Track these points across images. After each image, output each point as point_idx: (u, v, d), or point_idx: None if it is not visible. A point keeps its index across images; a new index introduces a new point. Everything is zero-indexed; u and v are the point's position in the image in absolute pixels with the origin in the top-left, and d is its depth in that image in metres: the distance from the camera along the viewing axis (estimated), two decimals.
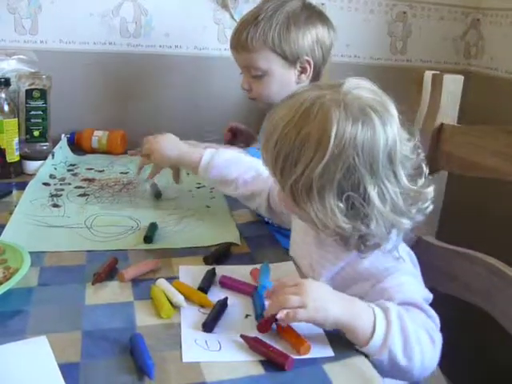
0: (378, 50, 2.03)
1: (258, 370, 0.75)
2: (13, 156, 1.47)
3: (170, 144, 1.30)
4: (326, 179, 0.84)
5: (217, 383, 0.72)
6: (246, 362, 0.77)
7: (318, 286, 0.85)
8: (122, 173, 1.55)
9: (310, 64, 1.44)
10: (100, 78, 1.82)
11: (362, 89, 0.88)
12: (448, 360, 1.23)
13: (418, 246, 1.26)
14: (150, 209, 1.29)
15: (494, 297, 1.09)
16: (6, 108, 1.44)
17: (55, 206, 1.27)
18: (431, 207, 0.92)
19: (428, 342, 0.83)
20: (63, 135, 1.68)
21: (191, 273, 0.99)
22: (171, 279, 0.95)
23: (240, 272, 1.00)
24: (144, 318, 0.85)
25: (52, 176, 1.47)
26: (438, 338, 0.85)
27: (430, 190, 0.91)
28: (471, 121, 1.32)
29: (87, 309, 0.87)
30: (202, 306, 0.89)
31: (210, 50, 1.87)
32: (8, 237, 1.07)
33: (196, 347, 0.79)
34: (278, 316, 0.79)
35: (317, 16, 1.46)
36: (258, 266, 1.02)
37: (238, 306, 0.91)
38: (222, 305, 0.88)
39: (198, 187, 1.47)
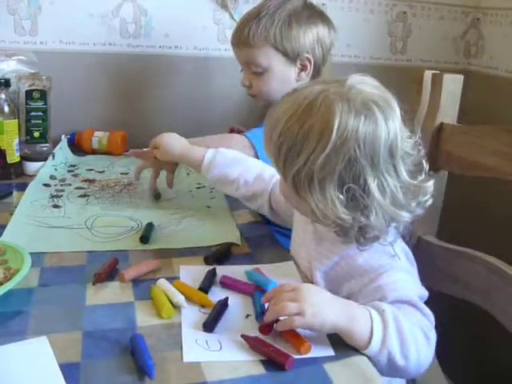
0: (378, 49, 2.03)
1: (259, 370, 0.75)
2: (13, 157, 1.47)
3: (174, 140, 1.30)
4: (327, 170, 0.85)
5: (217, 383, 0.72)
6: (246, 362, 0.77)
7: (316, 291, 0.85)
8: (122, 173, 1.54)
9: (310, 62, 1.45)
10: (100, 78, 1.82)
11: (366, 84, 0.90)
12: (447, 358, 1.24)
13: (418, 245, 1.27)
14: (150, 209, 1.29)
15: (494, 296, 1.09)
16: (6, 109, 1.44)
17: (56, 206, 1.27)
18: (431, 201, 0.93)
19: (423, 340, 0.83)
20: (63, 136, 1.68)
21: (192, 273, 0.99)
22: (172, 279, 0.95)
23: (241, 272, 1.00)
24: (144, 318, 0.85)
25: (52, 177, 1.47)
26: (433, 335, 0.85)
27: (430, 184, 0.93)
28: (471, 120, 1.32)
29: (88, 309, 0.87)
30: (203, 306, 0.89)
31: (209, 51, 1.87)
32: (8, 237, 1.07)
33: (197, 347, 0.79)
34: (276, 326, 0.80)
35: (318, 15, 1.48)
36: (258, 266, 1.02)
37: (238, 305, 0.90)
38: (223, 305, 0.88)
39: (199, 187, 1.47)
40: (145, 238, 1.11)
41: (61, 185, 1.42)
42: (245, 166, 1.23)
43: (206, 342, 0.80)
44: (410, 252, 1.00)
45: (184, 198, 1.39)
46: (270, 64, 1.44)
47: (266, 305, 0.88)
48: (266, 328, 0.81)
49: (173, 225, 1.21)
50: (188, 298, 0.90)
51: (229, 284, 0.96)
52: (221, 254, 1.07)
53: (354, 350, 0.81)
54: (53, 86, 1.60)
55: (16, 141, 1.47)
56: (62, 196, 1.34)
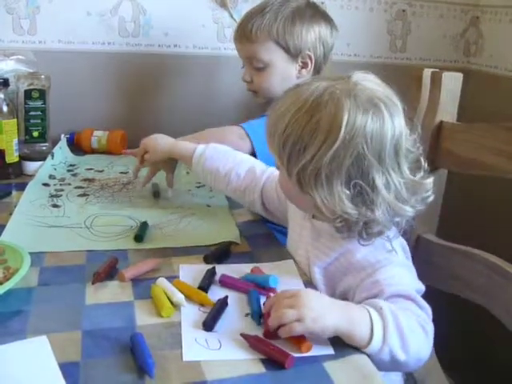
0: (378, 48, 2.03)
1: (259, 369, 0.75)
2: (12, 157, 1.47)
3: (161, 139, 1.32)
4: (335, 166, 0.86)
5: (217, 382, 0.72)
6: (246, 361, 0.76)
7: (315, 295, 0.84)
8: (121, 173, 1.54)
9: (311, 59, 1.46)
10: (99, 77, 1.81)
11: (369, 81, 0.91)
12: (446, 355, 1.24)
13: (417, 243, 1.27)
14: (150, 208, 1.29)
15: (494, 294, 1.09)
16: (5, 109, 1.44)
17: (55, 206, 1.27)
18: (432, 197, 0.94)
19: (421, 334, 0.83)
20: (63, 135, 1.68)
21: (191, 272, 0.99)
22: (171, 278, 0.95)
23: (240, 271, 1.00)
24: (144, 318, 0.85)
25: (52, 176, 1.47)
26: (431, 328, 0.85)
27: (430, 181, 0.94)
28: (471, 118, 1.32)
29: (87, 308, 0.87)
30: (203, 305, 0.89)
31: (209, 50, 1.87)
32: (8, 237, 1.07)
33: (196, 346, 0.79)
34: (279, 332, 0.80)
35: (321, 15, 1.50)
36: (258, 265, 1.02)
37: (238, 304, 0.90)
38: (223, 304, 0.88)
39: (198, 186, 1.47)
40: (139, 237, 1.11)
41: (60, 184, 1.42)
42: (236, 159, 1.23)
43: (206, 340, 0.80)
44: (406, 245, 1.00)
45: (184, 197, 1.39)
46: (271, 59, 1.45)
47: (262, 301, 0.89)
48: (270, 334, 0.81)
49: (172, 224, 1.21)
50: (188, 297, 0.90)
51: (228, 283, 0.96)
52: (220, 253, 1.07)
53: (354, 348, 0.80)
54: (52, 85, 1.60)
55: (15, 140, 1.47)
56: (61, 195, 1.34)
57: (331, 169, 0.86)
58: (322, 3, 1.58)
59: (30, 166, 1.50)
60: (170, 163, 1.34)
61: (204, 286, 0.94)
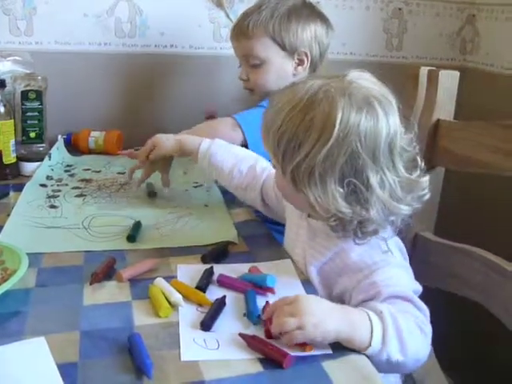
0: (374, 46, 2.03)
1: (257, 368, 0.75)
2: (9, 158, 1.47)
3: (168, 136, 1.32)
4: (328, 164, 0.86)
5: (215, 382, 0.72)
6: (244, 360, 0.76)
7: (315, 301, 0.82)
8: (119, 173, 1.54)
9: (307, 56, 1.47)
10: (96, 78, 1.81)
11: (365, 80, 0.91)
12: (445, 354, 1.24)
13: (415, 241, 1.27)
14: (147, 208, 1.29)
15: (492, 292, 1.09)
16: (2, 109, 1.43)
17: (52, 206, 1.27)
18: (428, 195, 0.94)
19: (420, 335, 0.83)
20: (60, 136, 1.68)
21: (189, 272, 0.99)
22: (169, 278, 0.95)
23: (238, 270, 1.00)
24: (142, 318, 0.85)
25: (49, 177, 1.47)
26: (429, 329, 0.85)
27: (425, 179, 0.94)
28: (467, 116, 1.32)
29: (85, 309, 0.87)
30: (200, 305, 0.89)
31: (205, 49, 1.87)
32: (5, 238, 1.07)
33: (194, 346, 0.79)
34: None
35: (317, 15, 1.51)
36: (255, 264, 1.02)
37: (236, 304, 0.90)
38: (220, 303, 0.88)
39: (195, 186, 1.47)
40: (131, 237, 1.11)
41: (57, 185, 1.42)
42: (239, 156, 1.24)
43: (204, 340, 0.80)
44: (402, 245, 1.00)
45: (181, 196, 1.39)
46: (267, 56, 1.46)
47: (259, 300, 0.89)
48: (271, 333, 0.81)
49: (170, 224, 1.21)
50: (185, 297, 0.90)
51: (226, 283, 0.96)
52: (218, 253, 1.07)
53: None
54: (48, 86, 1.60)
55: (12, 141, 1.47)
56: (58, 196, 1.34)
57: (325, 167, 0.86)
58: (318, 2, 1.58)
59: (28, 167, 1.50)
60: (165, 163, 1.35)
61: (202, 286, 0.94)
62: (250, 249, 1.12)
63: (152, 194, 1.37)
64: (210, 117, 1.70)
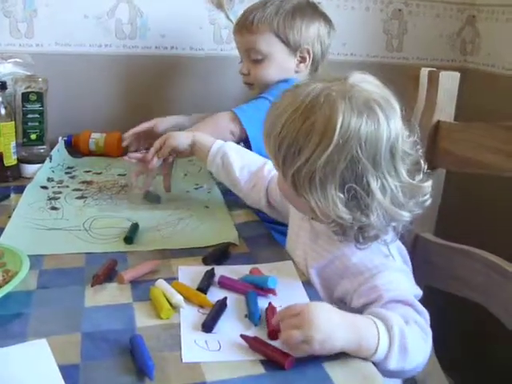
0: (374, 47, 2.03)
1: (259, 370, 0.75)
2: (10, 160, 1.47)
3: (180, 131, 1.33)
4: (329, 169, 0.86)
5: (217, 383, 0.72)
6: (246, 362, 0.76)
7: (322, 312, 0.78)
8: (119, 175, 1.54)
9: (309, 54, 1.49)
10: (96, 80, 1.81)
11: (367, 83, 0.90)
12: (446, 355, 1.24)
13: (416, 243, 1.27)
14: (148, 210, 1.29)
15: (493, 293, 1.09)
16: (3, 111, 1.43)
17: (53, 208, 1.27)
18: (429, 201, 0.94)
19: (422, 341, 0.83)
20: (60, 138, 1.68)
21: (190, 273, 0.99)
22: (170, 280, 0.95)
23: (239, 272, 1.00)
24: (143, 319, 0.85)
25: (50, 179, 1.47)
26: (429, 332, 0.85)
27: (428, 185, 0.93)
28: (468, 118, 1.32)
29: (87, 311, 0.87)
30: (202, 307, 0.89)
31: (206, 51, 1.88)
32: (7, 240, 1.07)
33: (196, 347, 0.79)
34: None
35: (320, 14, 1.53)
36: (256, 266, 1.02)
37: (237, 305, 0.90)
38: (222, 305, 0.88)
39: (196, 188, 1.47)
40: (129, 239, 1.11)
41: (58, 187, 1.42)
42: (248, 159, 1.24)
43: (206, 342, 0.80)
44: (404, 250, 1.00)
45: (182, 198, 1.39)
46: (270, 51, 1.48)
47: (260, 301, 0.89)
48: (275, 334, 0.81)
49: (171, 225, 1.21)
50: (187, 299, 0.90)
51: (227, 284, 0.96)
52: (219, 255, 1.07)
53: None
54: (49, 88, 1.60)
55: (13, 143, 1.47)
56: (59, 198, 1.34)
57: (325, 172, 0.86)
58: (319, 3, 1.59)
59: (28, 169, 1.50)
60: (168, 166, 1.34)
61: (203, 288, 0.94)
62: (251, 250, 1.12)
63: (158, 198, 1.36)
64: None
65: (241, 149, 1.28)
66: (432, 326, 0.86)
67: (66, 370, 0.72)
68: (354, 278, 0.93)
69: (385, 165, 0.87)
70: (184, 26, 1.84)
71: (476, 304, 1.14)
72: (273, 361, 0.76)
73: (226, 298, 0.90)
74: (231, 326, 0.85)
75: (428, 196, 0.93)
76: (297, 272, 1.02)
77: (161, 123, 1.49)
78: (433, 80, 1.28)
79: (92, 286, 0.93)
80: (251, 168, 1.23)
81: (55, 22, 1.72)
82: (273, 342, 0.80)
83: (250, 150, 1.34)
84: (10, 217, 1.20)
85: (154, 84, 1.86)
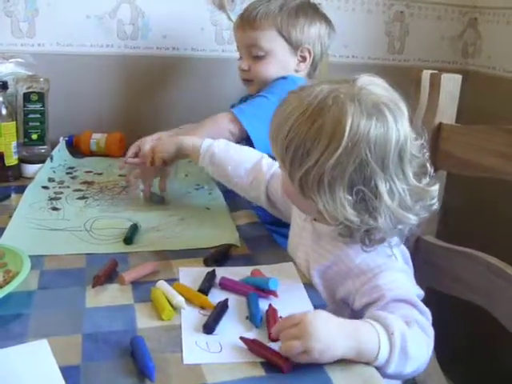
0: (376, 49, 2.03)
1: (260, 372, 0.75)
2: (11, 159, 1.46)
3: (167, 136, 1.33)
4: (337, 172, 0.85)
5: None
6: (247, 364, 0.76)
7: (321, 321, 0.77)
8: (120, 175, 1.54)
9: (310, 54, 1.49)
10: (98, 80, 1.82)
11: (375, 85, 0.90)
12: (447, 357, 1.24)
13: (417, 245, 1.27)
14: (149, 211, 1.29)
15: (495, 296, 1.09)
16: (4, 111, 1.43)
17: (54, 209, 1.27)
18: (437, 205, 0.94)
19: (423, 343, 0.82)
20: (61, 138, 1.68)
21: (191, 275, 0.99)
22: (171, 281, 0.95)
23: (240, 273, 1.00)
24: (144, 321, 0.85)
25: (51, 179, 1.46)
26: (431, 332, 0.85)
27: (435, 188, 0.93)
28: (469, 120, 1.32)
29: (88, 312, 0.87)
30: (203, 308, 0.89)
31: (207, 52, 1.88)
32: (8, 240, 1.07)
33: (197, 349, 0.79)
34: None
35: (321, 15, 1.54)
36: (258, 267, 1.02)
37: (238, 307, 0.90)
38: (223, 306, 0.88)
39: (197, 189, 1.47)
40: (128, 240, 1.11)
41: (59, 187, 1.42)
42: (242, 155, 1.23)
43: (207, 343, 0.80)
44: (407, 253, 1.00)
45: (182, 199, 1.39)
46: (272, 48, 1.48)
47: (261, 303, 0.89)
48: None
49: (171, 226, 1.21)
50: (188, 300, 0.90)
51: (228, 286, 0.95)
52: (220, 256, 1.07)
53: None
54: (50, 88, 1.60)
55: (14, 143, 1.47)
56: (60, 198, 1.34)
57: (334, 175, 0.86)
58: (319, 4, 1.59)
59: (29, 169, 1.50)
60: (166, 169, 1.34)
61: (204, 289, 0.93)
62: (252, 251, 1.12)
63: (161, 199, 1.36)
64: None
65: (231, 145, 1.25)
66: (433, 328, 0.86)
67: (67, 371, 0.72)
68: (357, 278, 0.93)
69: (393, 168, 0.87)
70: (186, 26, 1.84)
71: (477, 306, 1.13)
72: (272, 364, 0.76)
73: (227, 300, 0.90)
74: (232, 328, 0.84)
75: (436, 200, 0.93)
76: (298, 274, 1.02)
77: (165, 153, 1.31)
78: (435, 82, 1.28)
79: (93, 286, 0.93)
80: (245, 165, 1.21)
81: (57, 22, 1.72)
82: (274, 344, 0.79)
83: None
84: (10, 217, 1.20)
85: (155, 85, 1.86)
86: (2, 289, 0.86)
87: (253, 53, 1.50)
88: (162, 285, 0.93)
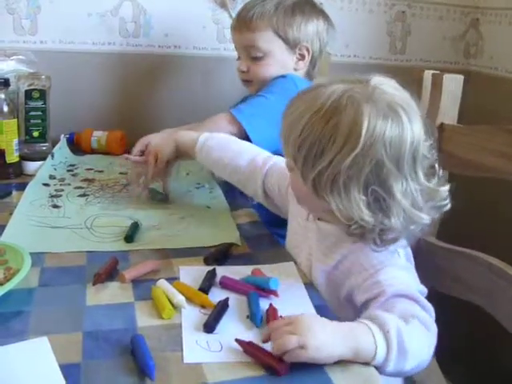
0: (378, 49, 2.03)
1: (260, 371, 0.75)
2: (12, 157, 1.47)
3: (163, 134, 1.35)
4: (353, 172, 0.85)
5: None
6: (247, 363, 0.76)
7: (316, 321, 0.79)
8: (121, 173, 1.54)
9: (308, 51, 1.49)
10: (99, 78, 1.82)
11: (389, 86, 0.90)
12: (447, 358, 1.23)
13: (418, 246, 1.26)
14: (149, 209, 1.29)
15: (496, 297, 1.09)
16: (6, 109, 1.43)
17: (55, 206, 1.27)
18: (449, 205, 0.93)
19: (424, 338, 0.82)
20: (62, 136, 1.68)
21: (192, 273, 0.99)
22: (171, 280, 0.95)
23: (241, 272, 0.99)
24: (145, 319, 0.85)
25: (52, 176, 1.46)
26: (434, 329, 0.84)
27: (445, 189, 0.93)
28: (471, 120, 1.32)
29: (88, 309, 0.87)
30: (203, 307, 0.89)
31: (209, 50, 1.88)
32: (8, 238, 1.07)
33: (197, 348, 0.79)
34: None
35: (319, 11, 1.53)
36: (258, 266, 1.02)
37: (238, 306, 0.90)
38: (223, 305, 0.88)
39: (198, 188, 1.46)
40: (129, 238, 1.11)
41: (60, 184, 1.42)
42: (238, 149, 1.23)
43: (207, 342, 0.80)
44: (409, 250, 1.00)
45: (183, 198, 1.39)
46: (269, 49, 1.47)
47: (261, 303, 0.88)
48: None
49: (172, 225, 1.21)
50: (188, 299, 0.90)
51: (229, 284, 0.95)
52: (220, 255, 1.07)
53: None
54: (52, 85, 1.60)
55: (15, 140, 1.47)
56: (61, 196, 1.34)
57: (349, 175, 0.85)
58: (321, 4, 1.59)
59: (30, 166, 1.50)
60: (169, 168, 1.33)
61: (205, 288, 0.93)
62: (252, 251, 1.12)
63: (164, 197, 1.36)
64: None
65: (226, 140, 1.25)
66: None
67: (67, 369, 0.72)
68: (359, 275, 0.93)
69: (407, 168, 0.87)
70: (187, 25, 1.84)
71: (477, 307, 1.13)
72: (268, 366, 0.75)
73: (227, 299, 0.90)
74: (233, 327, 0.84)
75: (447, 201, 0.93)
76: (298, 273, 1.01)
77: (165, 155, 1.30)
78: (436, 83, 1.27)
79: (93, 284, 0.93)
80: (241, 160, 1.20)
81: (59, 20, 1.73)
82: (269, 346, 0.78)
83: None
84: (11, 214, 1.20)
85: (156, 83, 1.86)
86: (3, 286, 0.86)
87: (251, 54, 1.49)
88: (163, 283, 0.93)
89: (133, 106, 1.86)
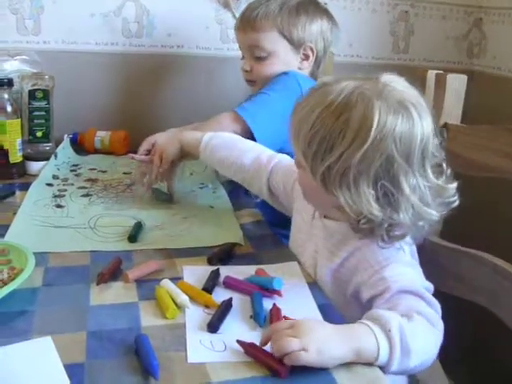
0: (381, 49, 2.03)
1: (264, 371, 0.75)
2: (16, 157, 1.47)
3: (167, 134, 1.35)
4: (363, 167, 0.85)
5: None
6: (251, 363, 0.76)
7: (316, 324, 0.79)
8: (124, 173, 1.54)
9: (312, 51, 1.48)
10: (102, 78, 1.82)
11: (398, 83, 0.91)
12: (450, 358, 1.23)
13: (422, 245, 1.26)
14: (153, 209, 1.29)
15: (500, 297, 1.09)
16: (9, 109, 1.44)
17: (58, 206, 1.27)
18: (457, 202, 0.94)
19: (429, 334, 0.82)
20: (66, 136, 1.68)
21: (195, 273, 0.99)
22: (175, 280, 0.95)
23: (244, 272, 1.00)
24: (149, 319, 0.85)
25: (55, 176, 1.47)
26: (441, 326, 0.85)
27: (453, 186, 0.93)
28: (475, 120, 1.32)
29: (92, 309, 0.87)
30: (207, 307, 0.89)
31: (212, 50, 1.88)
32: (12, 237, 1.07)
33: (201, 348, 0.79)
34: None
35: (323, 11, 1.53)
36: (262, 266, 1.02)
37: (242, 306, 0.90)
38: (227, 305, 0.88)
39: (201, 187, 1.47)
40: (132, 238, 1.11)
41: (63, 184, 1.42)
42: (243, 148, 1.23)
43: (211, 342, 0.80)
44: (414, 247, 1.00)
45: (187, 198, 1.39)
46: (274, 49, 1.47)
47: (265, 303, 0.88)
48: None
49: (176, 225, 1.21)
50: (192, 299, 0.90)
51: (232, 284, 0.95)
52: (224, 255, 1.07)
53: None
54: (55, 85, 1.60)
55: (19, 140, 1.47)
56: (64, 195, 1.34)
57: (359, 169, 0.86)
58: (325, 4, 1.59)
59: (34, 166, 1.50)
60: (174, 168, 1.34)
61: (208, 288, 0.93)
62: (256, 250, 1.12)
63: (168, 197, 1.35)
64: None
65: (230, 139, 1.25)
66: None
67: (71, 369, 0.72)
68: (365, 271, 0.93)
69: (416, 164, 0.87)
70: (190, 25, 1.84)
71: (481, 307, 1.13)
72: (269, 368, 0.75)
73: (231, 299, 0.90)
74: (237, 327, 0.84)
75: (456, 198, 0.93)
76: (302, 273, 1.02)
77: (169, 155, 1.30)
78: (440, 82, 1.27)
79: (97, 284, 0.93)
80: (245, 159, 1.20)
81: (62, 20, 1.73)
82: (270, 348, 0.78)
83: None
84: (15, 214, 1.20)
85: (159, 83, 1.86)
86: (7, 286, 0.86)
87: (255, 54, 1.49)
88: (166, 283, 0.93)
89: (136, 106, 1.86)
